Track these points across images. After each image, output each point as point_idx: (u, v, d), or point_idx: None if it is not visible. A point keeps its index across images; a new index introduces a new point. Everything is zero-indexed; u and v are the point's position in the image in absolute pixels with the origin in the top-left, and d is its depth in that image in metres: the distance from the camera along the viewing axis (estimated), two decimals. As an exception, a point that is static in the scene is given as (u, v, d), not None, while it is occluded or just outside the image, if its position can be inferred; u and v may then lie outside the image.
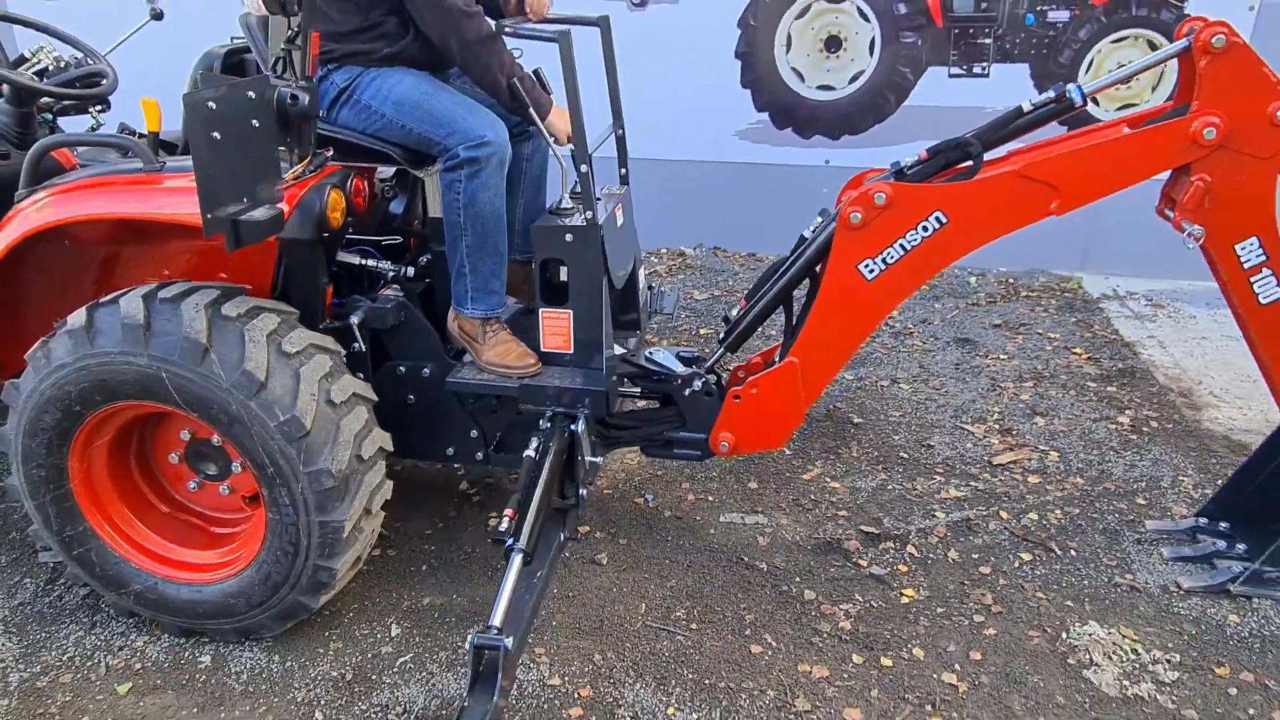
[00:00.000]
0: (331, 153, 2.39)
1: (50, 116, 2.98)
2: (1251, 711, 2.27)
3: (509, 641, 2.00)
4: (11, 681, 2.39)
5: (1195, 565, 2.76)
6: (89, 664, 2.44)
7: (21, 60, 3.04)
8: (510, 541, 2.17)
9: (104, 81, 2.90)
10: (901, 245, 2.39)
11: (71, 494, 2.36)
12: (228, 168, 1.94)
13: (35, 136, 2.88)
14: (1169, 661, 2.42)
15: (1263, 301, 2.37)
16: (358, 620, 2.59)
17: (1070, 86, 2.28)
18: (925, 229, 2.37)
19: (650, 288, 3.13)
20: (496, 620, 2.06)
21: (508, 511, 2.21)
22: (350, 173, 2.41)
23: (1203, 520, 2.89)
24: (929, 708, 2.29)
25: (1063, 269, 5.12)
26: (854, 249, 2.42)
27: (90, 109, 3.11)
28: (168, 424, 2.46)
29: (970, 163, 2.34)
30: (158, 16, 3.15)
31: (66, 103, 2.95)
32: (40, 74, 2.97)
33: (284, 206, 2.10)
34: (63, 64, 3.06)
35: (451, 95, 2.47)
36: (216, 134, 1.89)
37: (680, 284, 5.01)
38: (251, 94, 1.97)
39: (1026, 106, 2.32)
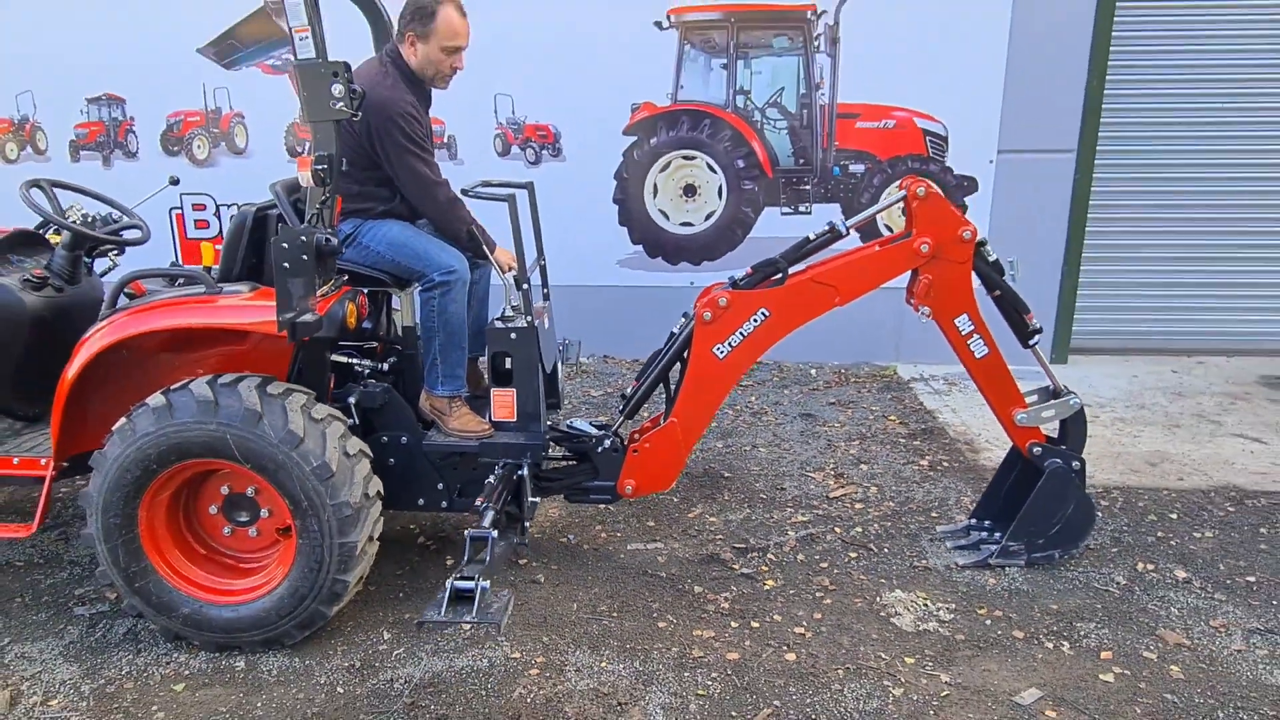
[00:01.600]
0: (346, 277, 3.32)
1: (89, 259, 3.80)
2: (999, 632, 3.32)
3: (495, 533, 2.88)
4: (84, 691, 3.02)
5: (968, 550, 3.86)
6: (144, 675, 3.10)
7: (59, 217, 3.85)
8: (485, 505, 3.10)
9: (139, 233, 3.75)
10: (741, 333, 3.49)
11: (138, 538, 3.08)
12: (289, 287, 2.86)
13: (79, 275, 3.70)
14: (948, 609, 3.47)
15: (977, 356, 3.58)
16: (355, 631, 3.34)
17: (839, 221, 3.49)
18: (755, 320, 3.48)
19: (561, 345, 4.07)
20: (486, 523, 2.98)
21: (480, 498, 3.16)
22: (358, 291, 3.34)
23: (973, 520, 4.03)
24: (785, 647, 3.23)
25: (881, 360, 6.46)
26: (708, 338, 3.50)
27: (110, 254, 3.95)
28: (208, 486, 3.22)
29: (779, 274, 3.49)
30: (175, 182, 4.05)
31: (103, 247, 3.78)
32: None
33: (320, 314, 3.01)
34: (89, 219, 3.89)
35: (427, 238, 3.48)
36: (286, 264, 2.82)
37: (579, 385, 6.03)
38: (303, 238, 2.90)
39: (812, 236, 3.52)
